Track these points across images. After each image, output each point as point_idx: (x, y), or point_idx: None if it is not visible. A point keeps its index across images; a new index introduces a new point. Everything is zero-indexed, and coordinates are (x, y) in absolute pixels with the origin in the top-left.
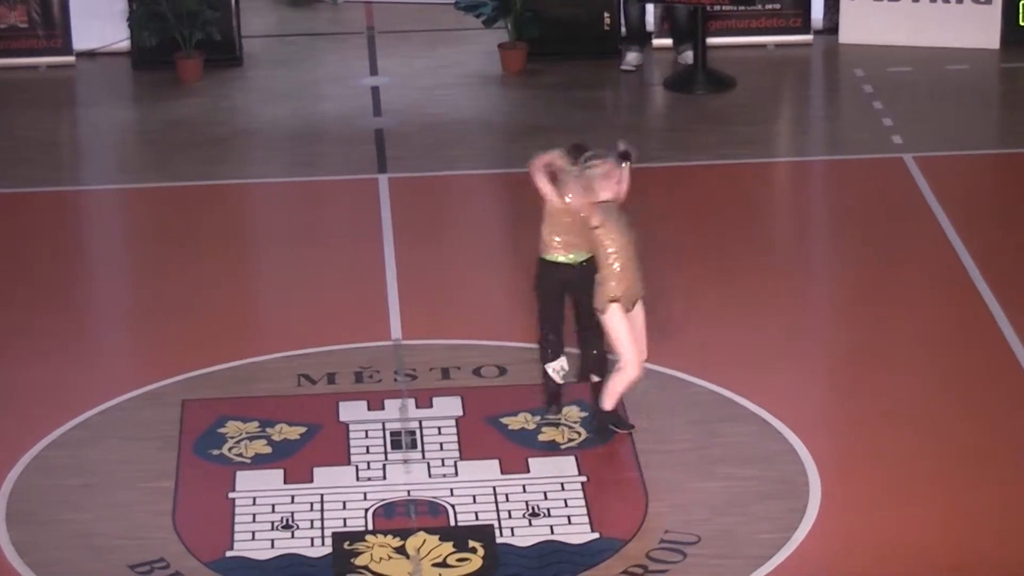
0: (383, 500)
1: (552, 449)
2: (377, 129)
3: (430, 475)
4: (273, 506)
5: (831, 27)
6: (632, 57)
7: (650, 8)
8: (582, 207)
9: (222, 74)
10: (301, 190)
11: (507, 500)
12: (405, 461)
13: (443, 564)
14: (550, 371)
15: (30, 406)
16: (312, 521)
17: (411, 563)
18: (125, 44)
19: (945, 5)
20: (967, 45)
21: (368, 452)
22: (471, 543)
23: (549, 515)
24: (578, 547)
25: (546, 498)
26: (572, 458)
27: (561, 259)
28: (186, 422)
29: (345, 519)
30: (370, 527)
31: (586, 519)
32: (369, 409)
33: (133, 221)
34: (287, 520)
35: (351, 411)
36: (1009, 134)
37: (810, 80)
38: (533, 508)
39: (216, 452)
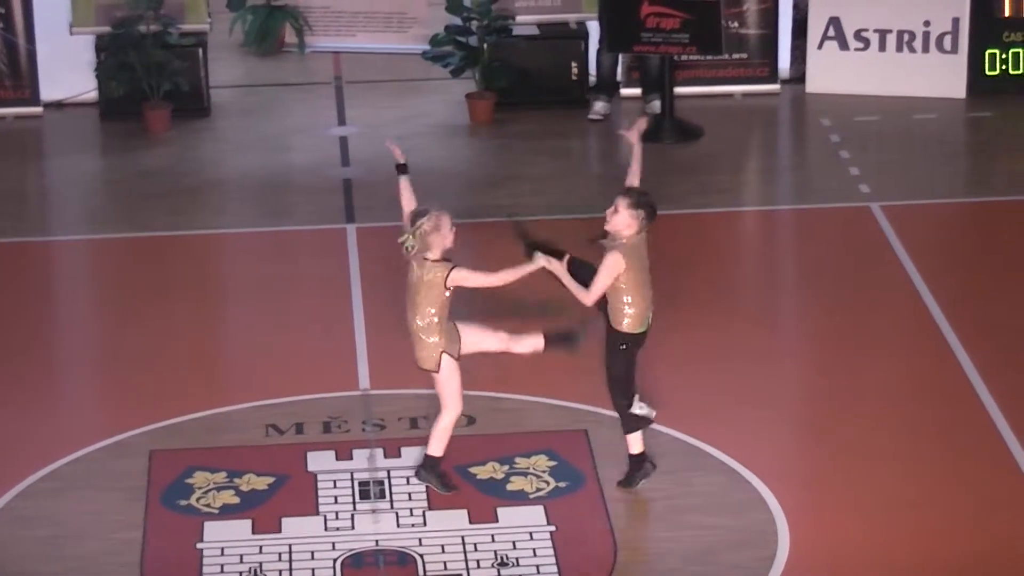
0: (352, 550)
1: (520, 499)
2: (345, 179)
3: (399, 525)
4: (241, 556)
5: (798, 76)
6: (600, 106)
7: (620, 58)
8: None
9: (190, 124)
10: (269, 240)
11: (476, 550)
12: (374, 511)
13: None
14: None
15: None
16: (280, 571)
17: None
18: (93, 95)
19: (912, 55)
20: (933, 95)
21: (336, 502)
22: None
23: (518, 565)
24: None
25: (515, 548)
26: (541, 508)
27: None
28: (154, 472)
29: (313, 569)
30: None
31: (555, 569)
32: (337, 459)
33: (101, 271)
34: (255, 571)
35: (319, 461)
36: (975, 183)
37: (777, 129)
38: (502, 558)
39: (184, 503)
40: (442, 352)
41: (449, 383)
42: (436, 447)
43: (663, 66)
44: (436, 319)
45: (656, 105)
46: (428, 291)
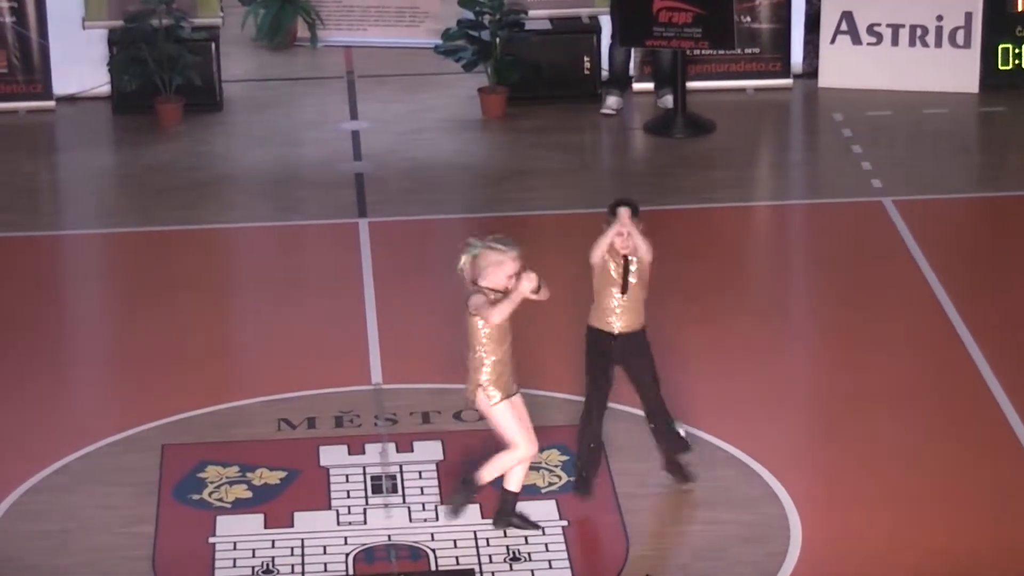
0: (364, 545)
1: (533, 493)
2: (357, 173)
3: (411, 519)
4: (254, 551)
5: (810, 71)
6: (612, 101)
7: (633, 52)
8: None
9: (202, 119)
10: (281, 235)
11: (488, 544)
12: (386, 505)
13: None
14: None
15: (9, 451)
16: (293, 566)
17: None
18: (105, 89)
19: (924, 49)
20: (946, 89)
21: (349, 496)
22: None
23: (530, 559)
24: None
25: (527, 542)
26: (553, 502)
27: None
28: (166, 467)
29: (326, 564)
30: (351, 572)
31: (567, 563)
32: (350, 453)
33: (112, 265)
34: (267, 565)
35: (331, 455)
36: (988, 178)
37: (789, 124)
38: (514, 552)
39: (196, 497)
40: (478, 387)
41: (498, 422)
42: (486, 473)
43: (675, 61)
44: (480, 353)
45: (668, 99)
46: (469, 324)
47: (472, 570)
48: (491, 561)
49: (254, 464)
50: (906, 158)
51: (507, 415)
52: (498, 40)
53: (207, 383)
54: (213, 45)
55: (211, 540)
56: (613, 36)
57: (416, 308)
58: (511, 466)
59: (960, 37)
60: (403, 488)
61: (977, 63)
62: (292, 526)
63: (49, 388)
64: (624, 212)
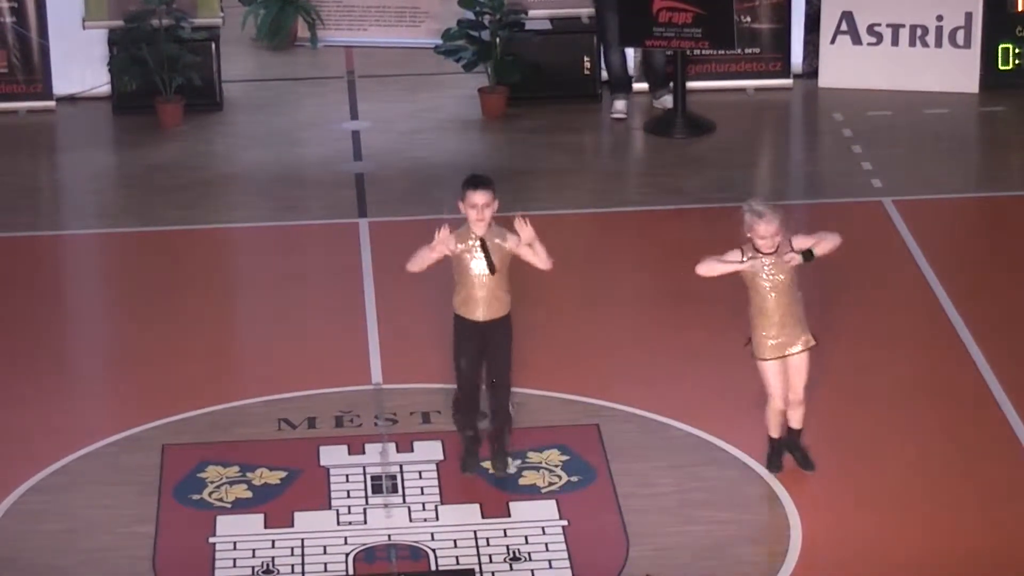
0: (364, 545)
1: (533, 493)
2: (357, 173)
3: (411, 519)
4: (254, 551)
5: (811, 71)
6: (621, 105)
7: (629, 53)
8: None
9: (202, 119)
10: (281, 235)
11: (488, 544)
12: (386, 505)
13: None
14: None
15: (9, 451)
16: (293, 566)
17: None
18: (105, 89)
19: (924, 50)
20: (946, 89)
21: (349, 496)
22: None
23: (530, 559)
24: None
25: (527, 542)
26: (553, 502)
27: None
28: (166, 467)
29: (326, 564)
30: (351, 572)
31: (567, 563)
32: (350, 453)
33: (113, 266)
34: (268, 565)
35: (332, 455)
36: (988, 178)
37: (789, 124)
38: (514, 552)
39: (196, 497)
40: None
41: (761, 375)
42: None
43: (675, 60)
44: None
45: (667, 100)
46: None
47: (472, 570)
48: (491, 561)
49: (254, 464)
50: (906, 158)
51: (769, 371)
52: (498, 40)
53: (207, 383)
54: (213, 45)
55: (211, 540)
56: (607, 41)
57: (416, 308)
58: (769, 417)
59: (960, 37)
60: (403, 488)
61: (977, 63)
62: (292, 526)
63: (49, 387)
64: None
